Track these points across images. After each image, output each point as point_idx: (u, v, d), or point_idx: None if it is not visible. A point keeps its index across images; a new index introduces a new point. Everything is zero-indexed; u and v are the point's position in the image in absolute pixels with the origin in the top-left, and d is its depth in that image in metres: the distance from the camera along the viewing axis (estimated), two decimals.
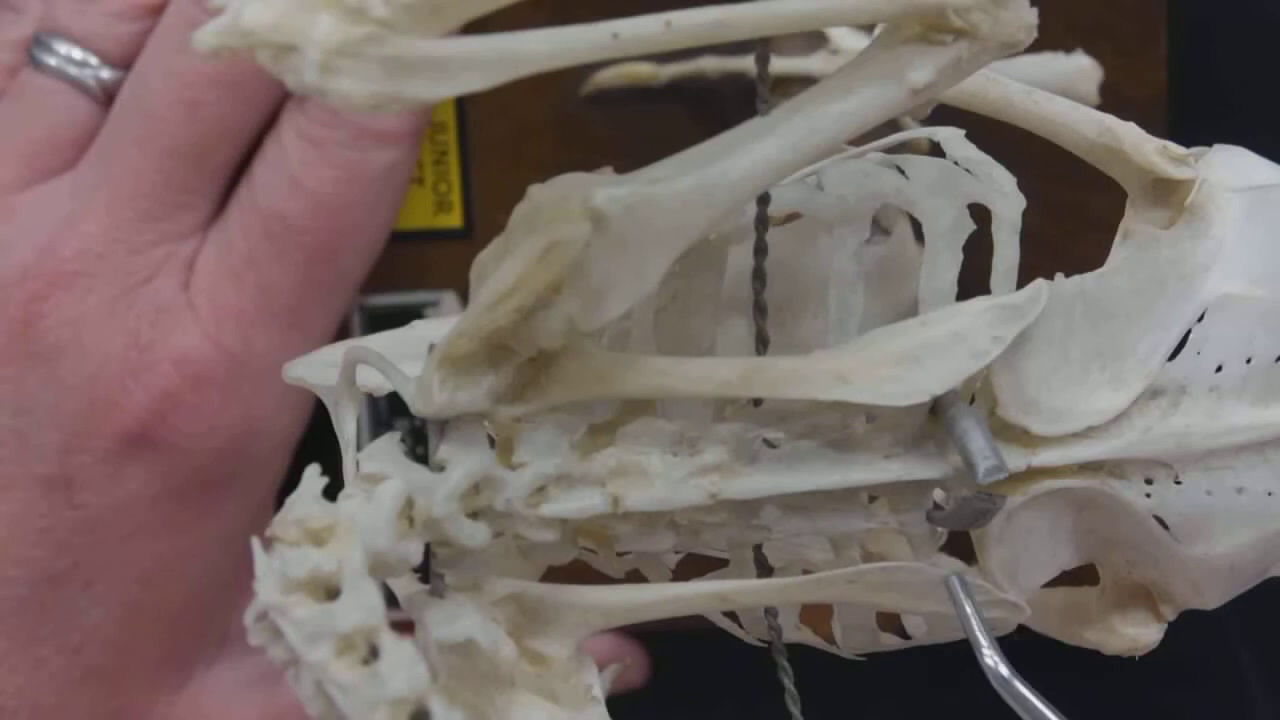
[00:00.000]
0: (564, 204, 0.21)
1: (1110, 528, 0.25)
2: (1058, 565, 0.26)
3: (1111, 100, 0.39)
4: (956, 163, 0.26)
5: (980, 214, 0.25)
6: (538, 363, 0.22)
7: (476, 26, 0.20)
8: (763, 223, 0.24)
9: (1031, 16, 0.23)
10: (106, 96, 0.37)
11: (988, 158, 0.26)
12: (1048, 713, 0.23)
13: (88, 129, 0.37)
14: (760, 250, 0.24)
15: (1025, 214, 0.25)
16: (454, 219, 0.40)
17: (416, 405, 0.22)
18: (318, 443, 0.37)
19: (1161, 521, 0.25)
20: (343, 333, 0.39)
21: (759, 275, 0.24)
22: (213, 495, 0.37)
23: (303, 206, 0.36)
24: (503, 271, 0.21)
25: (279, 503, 0.37)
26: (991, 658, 0.23)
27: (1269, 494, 0.25)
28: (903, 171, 0.25)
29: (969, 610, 0.23)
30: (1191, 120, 0.40)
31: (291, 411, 0.38)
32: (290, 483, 0.37)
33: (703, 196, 0.21)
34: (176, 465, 0.36)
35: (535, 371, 0.22)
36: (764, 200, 0.24)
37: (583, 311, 0.21)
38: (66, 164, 0.37)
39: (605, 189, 0.21)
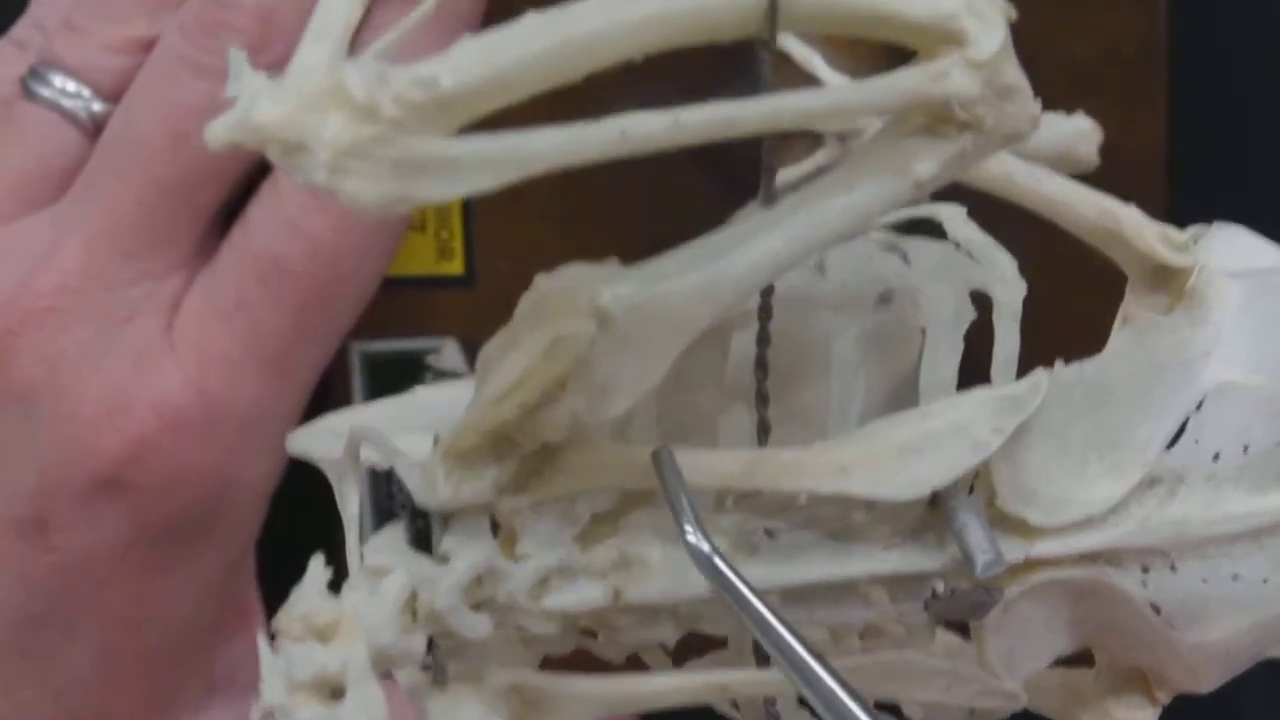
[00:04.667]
0: (570, 298, 0.21)
1: (1106, 615, 0.25)
2: (1054, 653, 0.26)
3: (1110, 154, 0.39)
4: (958, 244, 0.26)
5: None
6: (541, 454, 0.22)
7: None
8: (766, 313, 0.24)
9: (1036, 109, 0.23)
10: (97, 129, 0.36)
11: (990, 240, 0.26)
12: (752, 599, 0.21)
13: (77, 161, 0.37)
14: (763, 340, 0.24)
15: (1027, 269, 0.25)
16: (455, 266, 0.39)
17: (421, 497, 0.22)
18: (303, 496, 0.37)
19: (1157, 608, 0.25)
20: (342, 379, 0.38)
21: (761, 364, 0.24)
22: (189, 542, 0.36)
23: (300, 251, 0.36)
24: (508, 366, 0.21)
25: (258, 552, 0.37)
26: (694, 535, 0.21)
27: (1264, 581, 0.25)
28: (905, 257, 0.25)
29: (676, 485, 0.22)
30: (1192, 174, 0.40)
31: (272, 460, 0.37)
32: (268, 533, 0.37)
33: (707, 293, 0.21)
34: (151, 510, 0.35)
35: (539, 462, 0.22)
36: (768, 291, 0.24)
37: (588, 408, 0.21)
38: (54, 196, 0.37)
39: (610, 287, 0.21)
